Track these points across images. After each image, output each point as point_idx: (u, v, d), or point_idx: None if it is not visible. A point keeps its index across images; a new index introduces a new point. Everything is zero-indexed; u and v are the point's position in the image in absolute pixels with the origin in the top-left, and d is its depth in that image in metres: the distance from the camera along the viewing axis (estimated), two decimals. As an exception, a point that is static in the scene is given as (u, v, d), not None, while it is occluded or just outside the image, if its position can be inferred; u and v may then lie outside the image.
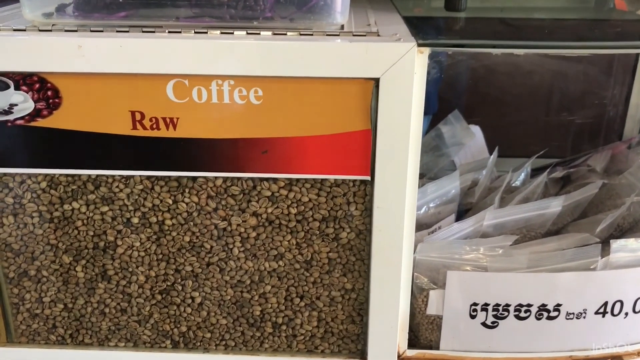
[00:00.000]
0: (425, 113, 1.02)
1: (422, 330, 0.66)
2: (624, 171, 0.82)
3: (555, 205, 0.72)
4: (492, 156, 0.84)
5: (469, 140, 0.91)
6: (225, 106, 0.57)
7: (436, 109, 1.02)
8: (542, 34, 0.64)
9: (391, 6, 0.74)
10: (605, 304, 0.64)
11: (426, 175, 0.91)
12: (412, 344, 0.66)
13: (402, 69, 0.54)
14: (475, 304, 0.64)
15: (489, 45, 0.52)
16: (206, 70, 0.55)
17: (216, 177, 0.61)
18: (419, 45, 0.53)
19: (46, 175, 0.61)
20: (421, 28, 0.61)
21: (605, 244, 0.65)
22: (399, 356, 0.65)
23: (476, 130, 0.97)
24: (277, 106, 0.57)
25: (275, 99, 0.57)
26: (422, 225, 0.74)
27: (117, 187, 0.61)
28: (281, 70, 0.55)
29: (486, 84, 1.09)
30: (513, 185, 0.84)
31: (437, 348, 0.66)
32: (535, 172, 0.87)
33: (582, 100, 1.07)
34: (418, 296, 0.65)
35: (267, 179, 0.61)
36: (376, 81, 0.55)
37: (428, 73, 0.57)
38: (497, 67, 1.08)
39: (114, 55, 0.55)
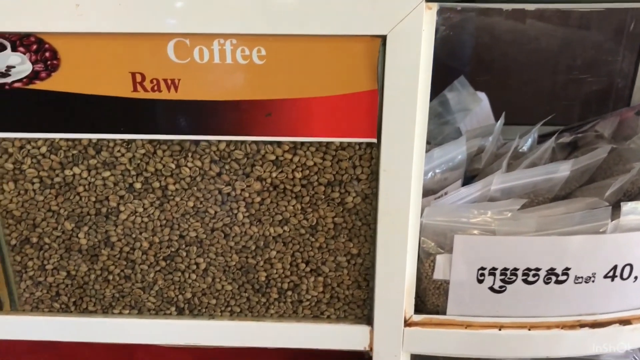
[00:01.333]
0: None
1: (429, 295, 0.66)
2: (632, 137, 0.80)
3: (563, 169, 0.70)
4: (498, 122, 0.83)
5: (476, 106, 0.90)
6: (227, 67, 0.56)
7: None
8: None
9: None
10: (615, 267, 0.63)
11: (431, 143, 0.90)
12: (418, 309, 0.66)
13: (410, 26, 0.52)
14: (482, 269, 0.63)
15: (499, 0, 0.50)
16: (207, 28, 0.54)
17: (219, 141, 0.60)
18: (427, 0, 0.52)
19: (46, 139, 0.60)
20: (429, -15, 0.59)
21: (615, 207, 0.64)
22: (405, 321, 0.65)
23: (482, 97, 0.96)
24: (281, 66, 0.55)
25: (279, 58, 0.55)
26: (428, 192, 0.73)
27: (119, 151, 0.60)
28: (285, 28, 0.53)
29: (492, 52, 1.07)
30: (520, 150, 0.83)
31: (444, 313, 0.66)
32: (542, 138, 0.86)
33: (590, 67, 1.05)
34: (425, 261, 0.64)
35: (271, 143, 0.59)
36: (383, 39, 0.53)
37: (437, 31, 0.55)
38: (503, 34, 1.06)
39: (113, 14, 0.53)
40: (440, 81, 0.99)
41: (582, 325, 0.65)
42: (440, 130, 0.93)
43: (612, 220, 0.62)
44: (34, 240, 0.65)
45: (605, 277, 0.63)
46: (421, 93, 0.56)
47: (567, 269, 0.63)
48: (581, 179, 0.77)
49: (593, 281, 0.64)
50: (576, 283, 0.63)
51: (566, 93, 1.06)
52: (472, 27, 1.04)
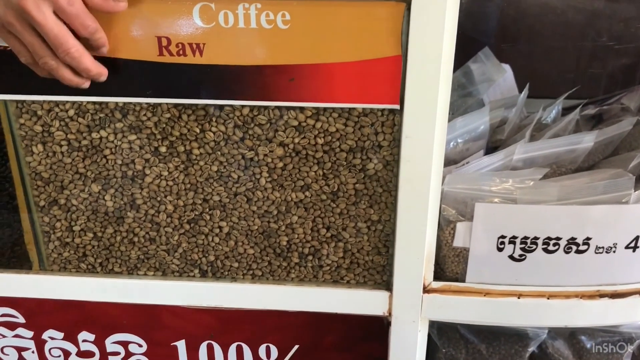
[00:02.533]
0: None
1: (448, 263, 0.66)
2: (659, 110, 0.79)
3: (587, 140, 0.70)
4: (522, 93, 0.82)
5: (500, 77, 0.89)
6: (252, 31, 0.56)
7: None
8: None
9: None
10: (637, 238, 0.63)
11: (454, 114, 0.89)
12: (437, 276, 0.67)
13: (435, -10, 0.52)
14: (502, 237, 0.64)
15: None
16: (233, -8, 0.54)
17: (243, 106, 0.60)
18: (454, -36, 0.51)
19: (74, 102, 0.61)
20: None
21: (639, 179, 0.63)
22: (424, 288, 0.65)
23: (506, 68, 0.95)
24: (305, 31, 0.56)
25: (303, 23, 0.55)
26: (450, 162, 0.73)
27: (145, 115, 0.61)
28: (310, -8, 0.53)
29: (517, 23, 1.06)
30: (544, 122, 0.82)
31: (463, 280, 0.66)
32: (567, 111, 0.85)
33: (617, 40, 1.03)
34: (445, 228, 0.65)
35: (294, 108, 0.60)
36: (407, 3, 0.53)
37: (461, -3, 0.55)
38: (529, 6, 1.04)
39: (140, -23, 0.54)
40: (465, 52, 0.98)
41: (602, 295, 0.65)
42: (463, 102, 0.93)
43: (635, 191, 0.62)
44: (62, 202, 0.67)
45: (627, 247, 0.63)
46: (445, 59, 0.55)
47: (588, 238, 0.63)
48: (605, 151, 0.76)
49: (614, 251, 0.63)
50: (597, 253, 0.63)
51: (592, 66, 1.04)
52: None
